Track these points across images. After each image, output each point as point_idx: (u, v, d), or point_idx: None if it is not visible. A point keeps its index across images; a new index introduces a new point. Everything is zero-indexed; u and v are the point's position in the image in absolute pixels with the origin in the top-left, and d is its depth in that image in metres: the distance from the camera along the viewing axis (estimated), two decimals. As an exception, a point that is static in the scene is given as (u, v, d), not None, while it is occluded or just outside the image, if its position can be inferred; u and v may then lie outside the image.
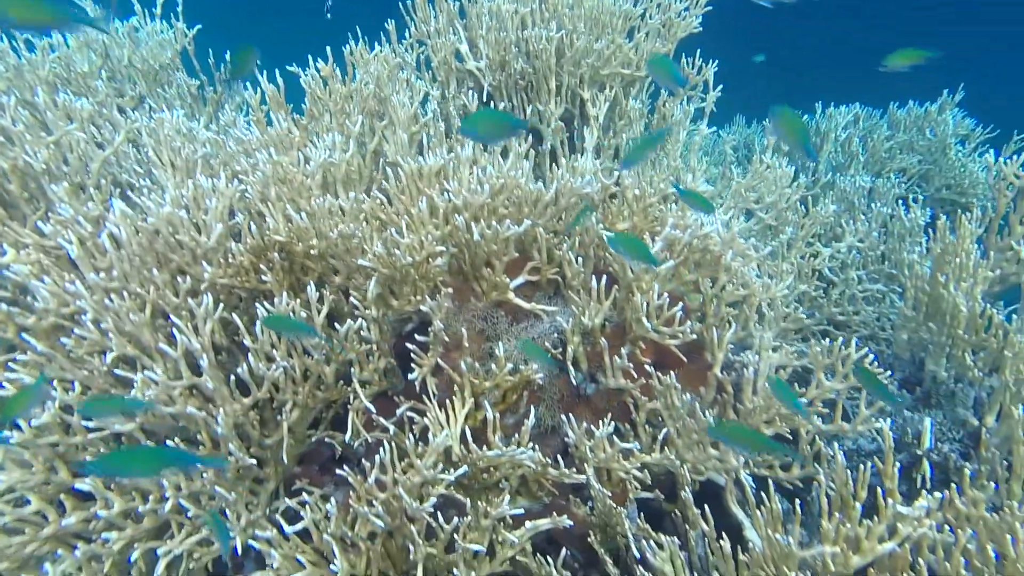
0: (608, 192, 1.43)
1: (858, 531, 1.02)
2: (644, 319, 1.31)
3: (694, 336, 1.36)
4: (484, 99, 2.14)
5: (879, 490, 1.08)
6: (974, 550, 1.02)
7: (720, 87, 2.30)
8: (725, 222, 1.72)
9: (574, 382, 1.39)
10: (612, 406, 1.48)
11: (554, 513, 1.23)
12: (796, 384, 1.51)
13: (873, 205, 2.50)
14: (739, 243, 1.39)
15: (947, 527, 1.11)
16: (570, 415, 1.36)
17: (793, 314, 1.41)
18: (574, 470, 1.29)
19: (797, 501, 1.20)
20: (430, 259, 1.27)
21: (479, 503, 1.15)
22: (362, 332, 1.26)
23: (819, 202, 2.28)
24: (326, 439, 1.33)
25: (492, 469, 1.28)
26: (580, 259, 1.42)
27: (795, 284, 2.23)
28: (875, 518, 1.03)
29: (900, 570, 1.03)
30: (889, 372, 1.84)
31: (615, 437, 1.29)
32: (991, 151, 2.41)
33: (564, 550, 1.24)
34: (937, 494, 1.12)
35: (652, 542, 1.13)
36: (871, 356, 1.37)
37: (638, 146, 1.23)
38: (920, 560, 1.02)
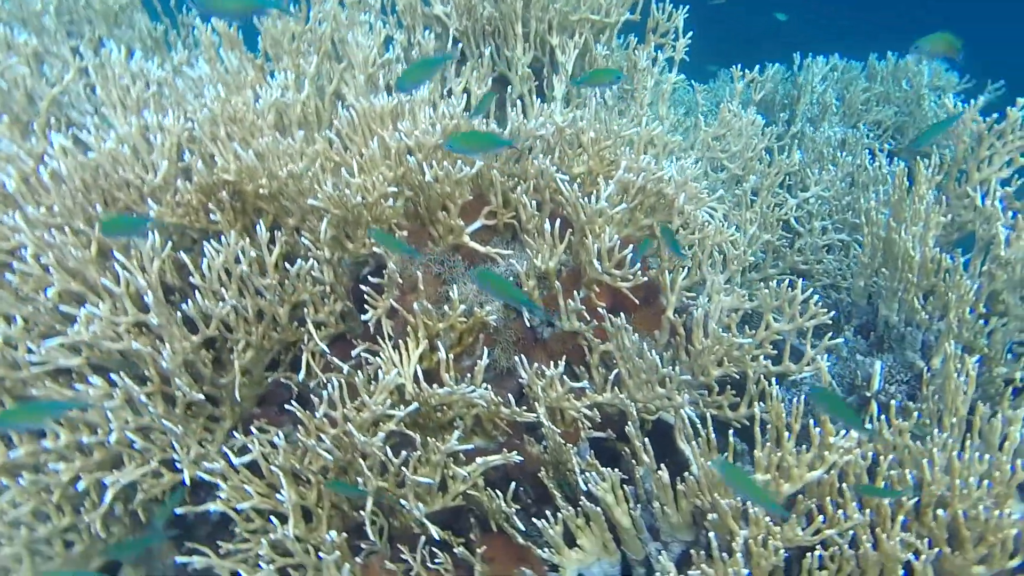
0: (564, 135, 1.42)
1: (788, 460, 1.07)
2: (595, 262, 1.32)
3: (645, 279, 1.38)
4: (450, 44, 2.10)
5: (811, 423, 1.12)
6: (896, 476, 1.07)
7: (691, 34, 2.27)
8: (681, 166, 1.73)
9: (528, 324, 1.41)
10: (567, 348, 1.51)
11: (504, 450, 1.26)
12: (747, 327, 1.54)
13: (840, 156, 2.51)
14: (692, 187, 1.39)
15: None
16: (523, 356, 1.38)
17: (741, 255, 1.43)
18: (526, 409, 1.32)
19: (731, 435, 1.24)
20: (382, 200, 1.27)
21: (430, 439, 1.18)
22: (314, 273, 1.26)
23: (786, 152, 2.28)
24: (282, 380, 1.35)
25: (445, 408, 1.31)
26: (535, 203, 1.42)
27: (759, 232, 2.26)
28: (803, 447, 1.07)
29: (827, 496, 1.08)
30: (834, 313, 1.89)
31: (566, 377, 1.32)
32: (958, 99, 2.42)
33: (513, 484, 1.28)
34: (868, 426, 1.17)
35: (595, 474, 1.17)
36: (816, 297, 1.41)
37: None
38: (845, 486, 1.07)
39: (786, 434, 1.10)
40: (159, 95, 1.39)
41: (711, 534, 1.03)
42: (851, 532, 1.05)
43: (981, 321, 1.66)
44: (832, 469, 1.07)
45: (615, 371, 1.40)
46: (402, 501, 1.14)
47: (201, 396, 1.12)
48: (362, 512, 1.22)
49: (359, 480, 1.14)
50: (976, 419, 1.22)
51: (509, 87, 2.10)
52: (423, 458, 1.19)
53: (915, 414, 1.40)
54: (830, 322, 1.57)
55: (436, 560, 1.26)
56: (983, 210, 1.77)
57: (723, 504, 1.03)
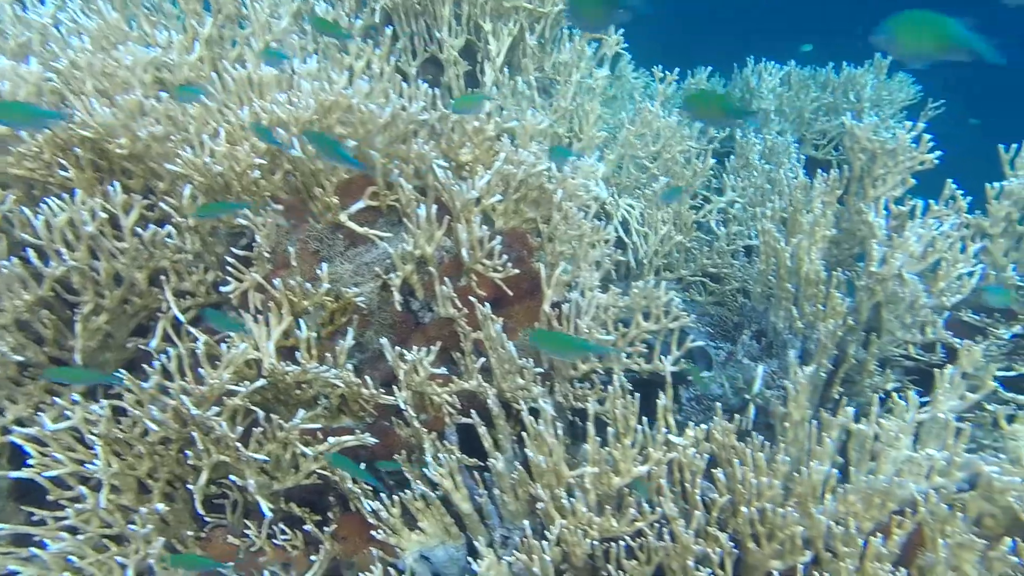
0: (448, 121, 1.41)
1: (615, 454, 1.10)
2: (464, 251, 1.33)
3: (517, 271, 1.39)
4: (380, 20, 2.07)
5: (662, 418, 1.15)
6: (720, 474, 1.11)
7: (621, 31, 2.28)
8: (575, 163, 1.74)
9: (398, 308, 1.41)
10: (444, 335, 1.52)
11: (357, 432, 1.27)
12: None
13: (759, 163, 2.55)
14: (570, 184, 1.41)
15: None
16: (386, 340, 1.38)
17: (613, 254, 1.46)
18: (384, 392, 1.33)
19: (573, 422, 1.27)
20: (249, 171, 1.25)
21: (273, 417, 1.18)
22: (174, 240, 1.24)
23: (703, 156, 2.32)
24: (140, 347, 1.33)
25: (304, 386, 1.31)
26: (420, 188, 1.42)
27: (672, 233, 2.29)
28: (628, 443, 1.10)
29: (654, 491, 1.11)
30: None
31: (426, 363, 1.33)
32: (871, 116, 2.48)
33: (363, 465, 1.29)
34: (703, 426, 1.21)
35: (435, 459, 1.19)
36: (678, 299, 1.44)
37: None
38: (685, 479, 1.10)
39: (621, 430, 1.13)
40: (31, 41, 1.34)
41: (525, 522, 1.06)
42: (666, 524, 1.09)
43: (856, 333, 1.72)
44: (656, 465, 1.10)
45: (481, 359, 1.42)
46: (237, 477, 1.14)
47: (17, 357, 1.10)
48: (217, 484, 1.22)
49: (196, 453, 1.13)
50: (808, 426, 1.27)
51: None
52: (268, 434, 1.19)
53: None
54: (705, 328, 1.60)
55: (285, 536, 1.27)
56: (871, 226, 1.83)
57: (541, 494, 1.05)
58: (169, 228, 1.22)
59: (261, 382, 1.18)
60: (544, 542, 1.01)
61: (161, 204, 1.24)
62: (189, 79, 1.44)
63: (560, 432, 1.22)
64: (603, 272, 1.47)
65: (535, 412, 1.53)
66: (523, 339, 1.62)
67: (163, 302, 1.29)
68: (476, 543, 1.22)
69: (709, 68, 2.86)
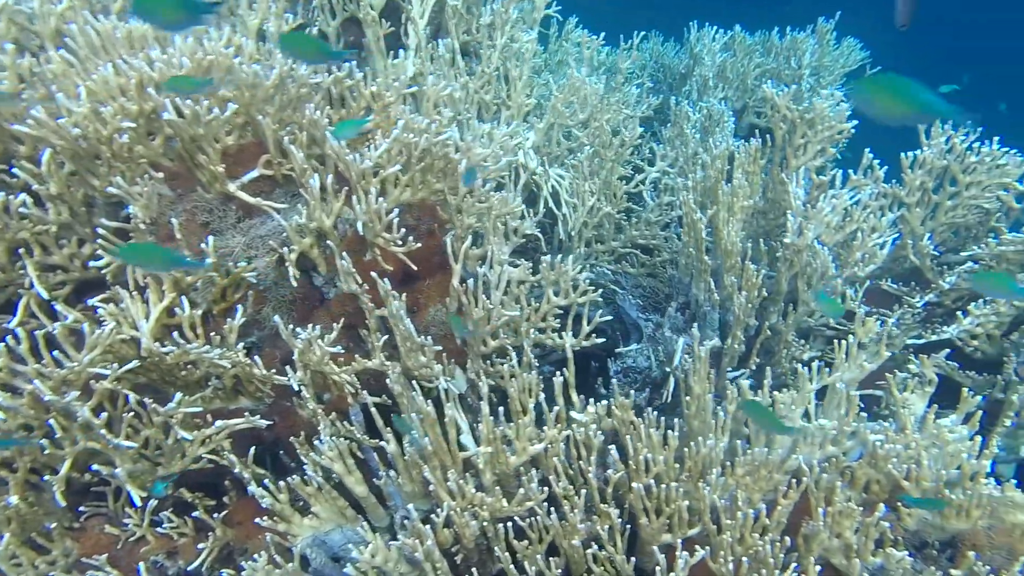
0: (344, 86, 1.33)
1: (508, 433, 1.07)
2: (360, 225, 1.26)
3: (419, 245, 1.34)
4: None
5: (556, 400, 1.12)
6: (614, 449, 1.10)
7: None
8: (491, 132, 1.68)
9: (294, 283, 1.34)
10: (348, 311, 1.46)
11: (247, 414, 1.21)
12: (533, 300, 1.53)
13: (690, 132, 2.52)
14: (475, 154, 1.35)
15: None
16: (279, 317, 1.32)
17: (522, 227, 1.41)
18: (275, 372, 1.27)
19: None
20: (117, 135, 1.15)
21: (147, 400, 1.11)
22: (30, 210, 1.14)
23: (630, 126, 2.27)
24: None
25: (190, 366, 1.24)
26: (317, 157, 1.34)
27: (600, 204, 2.26)
28: (525, 421, 1.07)
29: (552, 468, 1.09)
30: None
31: (321, 342, 1.27)
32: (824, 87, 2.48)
33: (253, 448, 1.23)
34: (604, 403, 1.19)
35: (328, 441, 1.14)
36: (585, 274, 1.41)
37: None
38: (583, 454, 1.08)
39: (518, 408, 1.10)
40: None
41: (410, 505, 1.02)
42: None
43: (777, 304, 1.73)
44: (552, 444, 1.08)
45: (385, 337, 1.37)
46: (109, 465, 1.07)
47: None
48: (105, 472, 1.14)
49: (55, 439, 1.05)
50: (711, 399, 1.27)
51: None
52: (145, 419, 1.12)
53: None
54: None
55: (171, 523, 1.21)
56: (788, 196, 1.83)
57: (428, 475, 1.02)
58: (23, 197, 1.11)
59: (133, 364, 1.11)
60: (428, 526, 0.98)
61: (13, 171, 1.13)
62: (60, 29, 1.31)
63: (460, 411, 1.18)
64: (512, 245, 1.42)
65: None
66: (435, 314, 1.57)
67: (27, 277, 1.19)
68: (359, 529, 1.17)
69: (643, 33, 2.79)
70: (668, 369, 1.90)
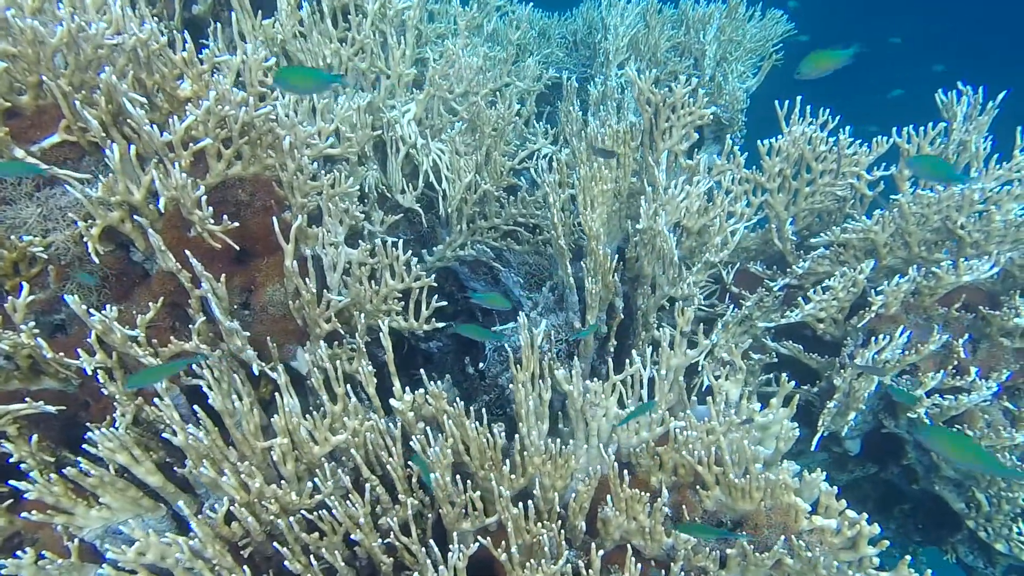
0: (149, 51, 1.22)
1: (307, 424, 1.04)
2: (160, 201, 1.18)
3: (236, 224, 1.27)
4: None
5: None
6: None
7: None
8: (327, 106, 1.61)
9: (95, 259, 1.25)
10: (169, 289, 1.38)
11: (28, 399, 1.13)
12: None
13: (576, 111, 2.50)
14: (300, 131, 1.28)
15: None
16: (69, 296, 1.23)
17: (353, 211, 1.36)
18: (63, 355, 1.19)
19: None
20: None
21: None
22: None
23: (507, 101, 2.23)
24: None
25: (-29, 349, 1.15)
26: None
27: (476, 180, 2.22)
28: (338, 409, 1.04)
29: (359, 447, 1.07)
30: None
31: (118, 324, 1.19)
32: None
33: (35, 435, 1.16)
34: (421, 391, 1.17)
35: (103, 433, 1.08)
36: (415, 260, 1.38)
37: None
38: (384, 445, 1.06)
39: (325, 398, 1.07)
40: None
41: (180, 502, 0.98)
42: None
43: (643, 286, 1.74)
44: (354, 435, 1.06)
45: (200, 318, 1.30)
46: None
47: None
48: None
49: None
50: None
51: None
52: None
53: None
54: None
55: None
56: (649, 181, 1.84)
57: (203, 471, 0.98)
58: None
59: None
60: (211, 519, 0.94)
61: None
62: None
63: (251, 401, 1.14)
64: (348, 228, 1.37)
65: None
66: (272, 294, 1.51)
67: None
68: (130, 522, 1.10)
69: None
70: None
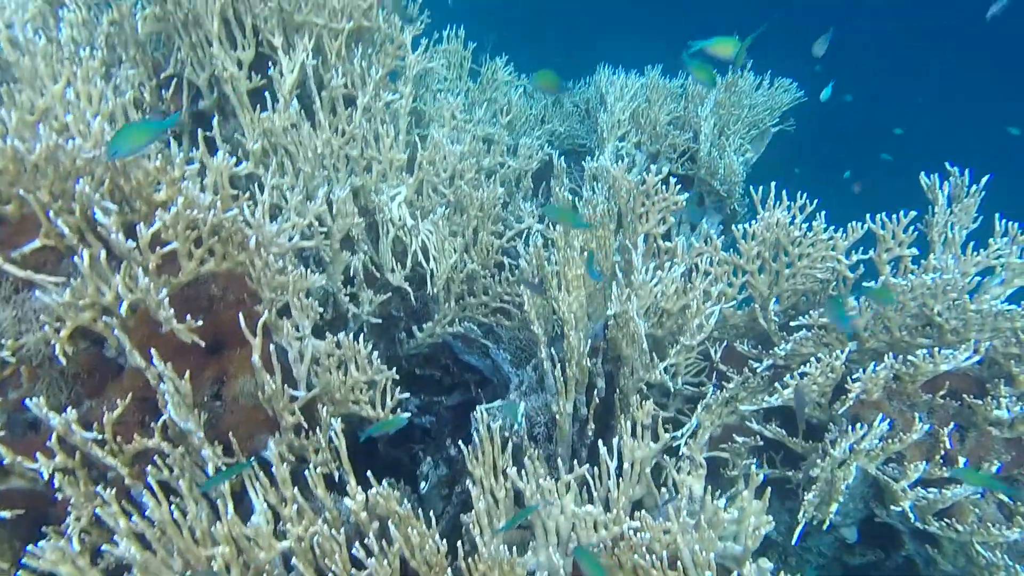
0: (128, 163, 1.29)
1: (248, 532, 1.03)
2: (123, 304, 1.23)
3: (199, 323, 1.31)
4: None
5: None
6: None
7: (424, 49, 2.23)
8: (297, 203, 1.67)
9: (62, 360, 1.30)
10: (140, 385, 1.41)
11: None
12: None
13: (562, 191, 2.56)
14: (266, 230, 1.33)
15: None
16: (32, 399, 1.27)
17: (314, 305, 1.40)
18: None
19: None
20: None
21: None
22: None
23: (492, 183, 2.29)
24: None
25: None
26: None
27: (464, 261, 2.26)
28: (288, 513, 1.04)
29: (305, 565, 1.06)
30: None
31: (75, 424, 1.22)
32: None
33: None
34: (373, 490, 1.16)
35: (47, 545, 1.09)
36: (372, 350, 1.39)
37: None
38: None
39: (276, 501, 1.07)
40: None
41: None
42: None
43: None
44: (298, 542, 1.05)
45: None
46: None
47: None
48: None
49: None
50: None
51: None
52: None
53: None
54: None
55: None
56: (626, 266, 1.86)
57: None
58: None
59: None
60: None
61: None
62: None
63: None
64: (312, 321, 1.40)
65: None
66: (243, 385, 1.54)
67: None
68: None
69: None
70: (506, 434, 1.89)
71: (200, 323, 1.30)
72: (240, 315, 1.37)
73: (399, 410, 1.47)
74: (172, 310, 1.24)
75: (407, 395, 1.50)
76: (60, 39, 1.67)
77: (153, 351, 1.31)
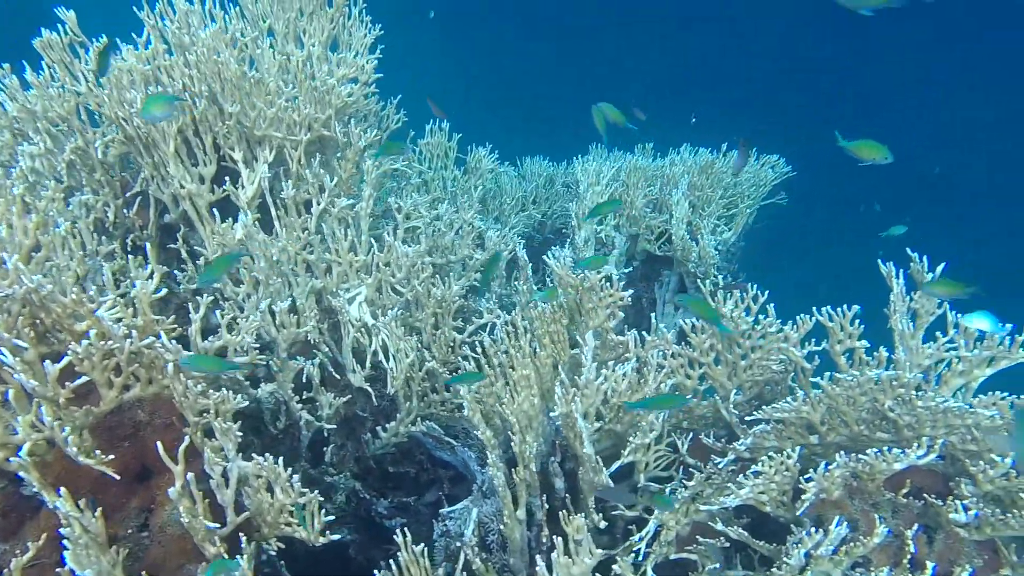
0: (41, 296, 1.32)
1: None
2: (24, 447, 1.22)
3: (110, 457, 1.29)
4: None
5: None
6: None
7: (409, 151, 2.31)
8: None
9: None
10: (54, 525, 1.38)
11: None
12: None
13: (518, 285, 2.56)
14: (182, 355, 1.33)
15: None
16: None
17: (232, 427, 1.38)
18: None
19: None
20: None
21: None
22: None
23: (448, 283, 2.30)
24: None
25: None
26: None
27: (423, 360, 2.25)
28: None
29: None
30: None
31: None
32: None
33: None
34: None
35: None
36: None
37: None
38: None
39: None
40: None
41: None
42: None
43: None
44: None
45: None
46: None
47: None
48: None
49: None
50: None
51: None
52: None
53: None
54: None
55: None
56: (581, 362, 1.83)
57: None
58: None
59: None
60: None
61: None
62: None
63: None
64: (235, 441, 1.38)
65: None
66: (171, 513, 1.50)
67: None
68: None
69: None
70: (457, 544, 1.82)
71: (112, 457, 1.29)
72: (159, 444, 1.35)
73: (327, 532, 1.42)
74: (79, 446, 1.22)
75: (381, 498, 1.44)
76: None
77: (70, 486, 1.29)
